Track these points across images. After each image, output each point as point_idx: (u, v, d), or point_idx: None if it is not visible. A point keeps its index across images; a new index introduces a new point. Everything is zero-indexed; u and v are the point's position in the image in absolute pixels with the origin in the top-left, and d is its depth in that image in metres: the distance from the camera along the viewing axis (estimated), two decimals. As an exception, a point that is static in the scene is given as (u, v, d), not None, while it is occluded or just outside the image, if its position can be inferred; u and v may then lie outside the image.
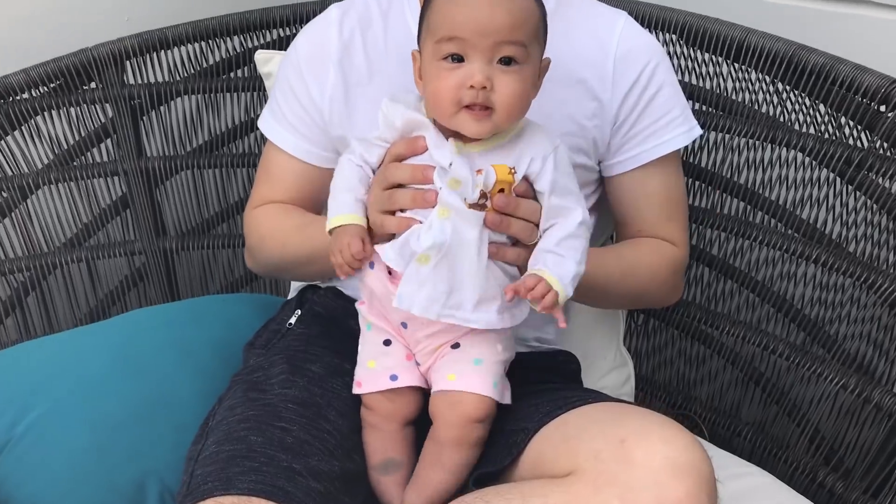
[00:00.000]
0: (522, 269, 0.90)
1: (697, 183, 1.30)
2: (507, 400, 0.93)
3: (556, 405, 0.90)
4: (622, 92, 1.06)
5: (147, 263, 1.43)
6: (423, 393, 0.95)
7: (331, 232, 0.91)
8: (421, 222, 0.88)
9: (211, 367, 1.06)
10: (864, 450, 1.13)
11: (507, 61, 0.85)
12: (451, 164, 0.87)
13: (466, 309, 0.88)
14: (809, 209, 1.22)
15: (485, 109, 0.84)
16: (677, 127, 1.09)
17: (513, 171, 0.88)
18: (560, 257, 0.88)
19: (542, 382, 1.00)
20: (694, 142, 1.27)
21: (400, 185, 0.90)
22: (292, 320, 1.05)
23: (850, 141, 1.14)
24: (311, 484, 0.86)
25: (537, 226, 0.90)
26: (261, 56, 1.31)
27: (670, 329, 1.36)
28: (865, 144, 1.13)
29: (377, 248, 0.90)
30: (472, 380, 0.90)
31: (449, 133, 0.88)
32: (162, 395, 1.03)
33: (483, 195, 0.87)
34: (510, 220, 0.88)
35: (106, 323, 1.15)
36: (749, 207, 1.26)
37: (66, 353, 1.07)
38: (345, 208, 0.92)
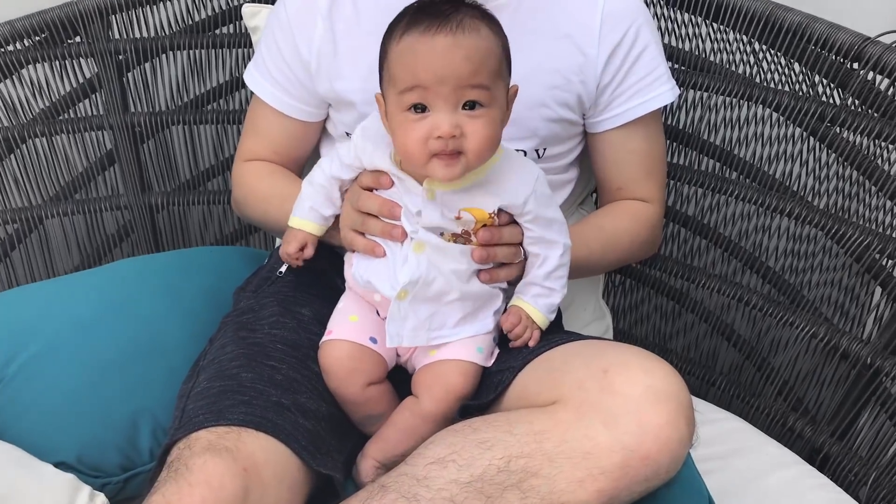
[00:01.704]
0: (514, 281, 0.96)
1: (675, 144, 1.33)
2: (490, 362, 0.95)
3: (540, 345, 0.94)
4: (608, 49, 1.08)
5: (133, 219, 1.44)
6: (388, 369, 0.97)
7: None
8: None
9: (201, 312, 1.08)
10: (831, 395, 1.17)
11: (471, 105, 0.84)
12: (419, 212, 0.89)
13: (449, 326, 0.93)
14: (784, 164, 1.26)
15: (455, 155, 0.85)
16: (661, 85, 1.12)
17: (493, 214, 0.90)
18: (548, 290, 0.93)
19: (524, 328, 1.03)
20: (672, 102, 1.31)
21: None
22: (283, 269, 1.07)
23: (824, 98, 1.18)
24: (299, 420, 0.89)
25: (520, 244, 0.94)
26: (248, 10, 1.32)
27: (646, 288, 1.40)
28: (838, 102, 1.16)
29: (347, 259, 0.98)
30: (453, 349, 0.93)
31: (421, 175, 0.90)
32: (153, 337, 1.04)
33: (465, 231, 0.91)
34: (495, 249, 0.92)
35: (97, 269, 1.16)
36: (723, 166, 1.30)
37: (58, 296, 1.08)
38: (302, 213, 0.99)
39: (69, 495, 0.89)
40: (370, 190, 0.95)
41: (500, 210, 0.91)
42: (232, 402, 0.87)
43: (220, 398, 0.88)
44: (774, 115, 1.24)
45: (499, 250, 0.92)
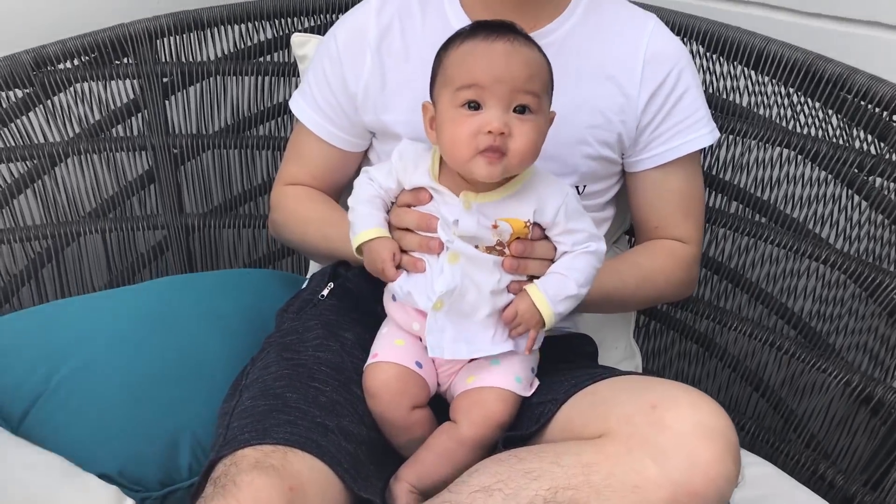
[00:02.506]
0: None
1: (708, 189, 1.34)
2: (530, 391, 0.95)
3: (583, 378, 0.94)
4: (649, 91, 1.11)
5: (168, 238, 1.45)
6: (431, 394, 0.97)
7: (360, 246, 0.96)
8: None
9: (240, 332, 1.09)
10: (864, 444, 1.17)
11: (522, 109, 0.88)
12: (456, 221, 0.91)
13: (486, 341, 0.93)
14: (818, 214, 1.27)
15: (498, 154, 0.88)
16: (702, 128, 1.14)
17: (528, 223, 0.93)
18: (563, 277, 0.93)
19: (563, 362, 1.04)
20: (710, 146, 1.32)
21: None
22: (325, 292, 1.08)
23: (862, 150, 1.19)
24: (342, 443, 0.89)
25: (552, 260, 0.95)
26: (297, 39, 1.35)
27: (673, 331, 1.40)
28: (875, 154, 1.18)
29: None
30: (491, 376, 0.94)
31: (458, 186, 0.92)
32: (193, 355, 1.05)
33: (499, 243, 0.93)
34: (527, 262, 0.94)
35: (136, 286, 1.18)
36: (754, 211, 1.31)
37: (99, 312, 1.09)
38: (371, 222, 0.97)
39: (112, 506, 0.90)
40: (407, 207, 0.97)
41: (534, 224, 0.93)
42: (277, 422, 0.87)
43: (266, 417, 0.88)
44: (811, 165, 1.26)
45: (530, 263, 0.94)
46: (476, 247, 0.93)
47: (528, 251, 0.94)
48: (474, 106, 0.88)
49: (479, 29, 0.91)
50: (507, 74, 0.87)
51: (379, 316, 1.02)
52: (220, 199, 1.51)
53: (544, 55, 0.93)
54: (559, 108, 0.97)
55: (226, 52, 1.43)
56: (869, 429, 1.16)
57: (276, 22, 1.42)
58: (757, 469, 1.16)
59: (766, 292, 1.32)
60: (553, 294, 0.92)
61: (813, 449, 1.24)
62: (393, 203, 0.99)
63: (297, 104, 1.19)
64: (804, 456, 1.24)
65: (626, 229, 1.33)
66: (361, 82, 1.12)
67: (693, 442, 0.80)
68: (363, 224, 0.97)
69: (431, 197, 0.95)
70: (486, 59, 0.88)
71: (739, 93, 1.29)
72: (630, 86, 1.11)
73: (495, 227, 0.92)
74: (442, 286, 0.91)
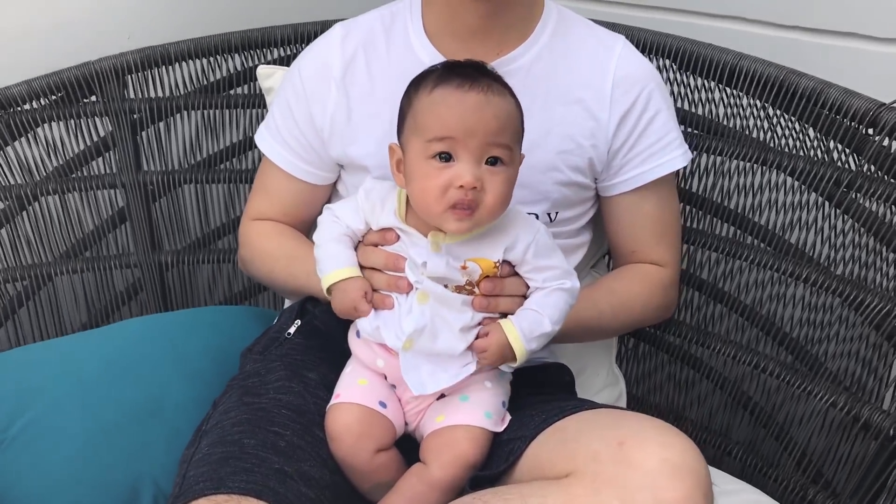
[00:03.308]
0: None
1: (688, 207, 1.32)
2: (501, 427, 0.93)
3: (553, 413, 0.91)
4: (619, 113, 1.08)
5: (142, 277, 1.43)
6: (397, 436, 0.94)
7: (331, 287, 0.94)
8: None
9: (206, 374, 1.07)
10: (854, 468, 1.14)
11: (493, 161, 0.87)
12: (425, 263, 0.90)
13: (458, 366, 0.91)
14: (798, 232, 1.24)
15: (469, 210, 0.86)
16: (674, 150, 1.12)
17: (497, 263, 0.91)
18: (537, 314, 0.91)
19: (536, 395, 1.01)
20: (685, 167, 1.30)
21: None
22: (291, 330, 1.06)
23: (839, 163, 1.16)
24: (301, 489, 0.86)
25: (524, 297, 0.93)
26: (263, 71, 1.33)
27: (660, 353, 1.37)
28: (853, 167, 1.15)
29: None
30: (460, 414, 0.91)
31: (426, 226, 0.91)
32: (157, 400, 1.02)
33: (469, 283, 0.91)
34: (497, 300, 0.92)
35: (101, 330, 1.15)
36: (739, 232, 1.28)
37: (61, 357, 1.07)
38: (342, 261, 0.95)
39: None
40: (375, 246, 0.95)
41: (503, 262, 0.92)
42: (233, 469, 0.84)
43: (221, 465, 0.85)
44: (790, 180, 1.23)
45: (501, 301, 0.92)
46: (445, 286, 0.91)
47: (497, 289, 0.92)
48: (445, 157, 0.86)
49: (452, 74, 0.89)
50: (479, 127, 0.86)
51: (347, 354, 0.99)
52: (197, 234, 1.49)
53: (516, 100, 0.91)
54: (528, 133, 0.95)
55: (195, 86, 1.41)
56: (858, 452, 1.13)
57: (244, 54, 1.40)
58: (745, 496, 1.13)
59: (755, 312, 1.29)
60: (528, 331, 0.90)
61: (803, 473, 1.20)
62: (360, 242, 0.97)
63: (262, 139, 1.17)
64: (793, 481, 1.21)
65: (605, 252, 1.30)
66: (327, 116, 1.10)
67: (659, 481, 0.77)
68: (334, 263, 0.95)
69: (399, 237, 0.94)
70: (459, 111, 0.86)
71: (714, 106, 1.26)
72: (600, 109, 1.08)
73: (464, 267, 0.91)
74: (410, 325, 0.90)
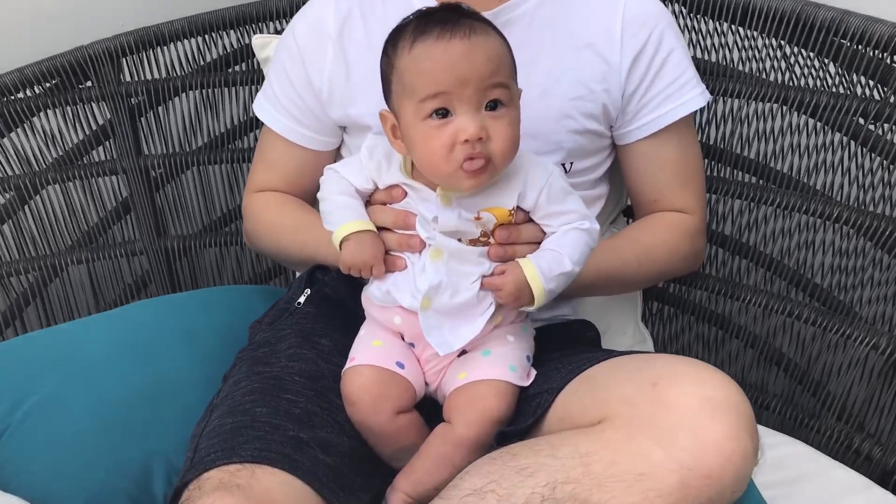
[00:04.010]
0: None
1: (706, 160, 1.27)
2: (527, 381, 0.89)
3: (580, 364, 0.87)
4: (631, 55, 1.04)
5: (150, 264, 1.40)
6: (417, 397, 0.90)
7: (345, 238, 0.89)
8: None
9: (217, 352, 1.02)
10: (898, 415, 1.09)
11: (493, 105, 0.82)
12: (436, 218, 0.86)
13: (482, 316, 0.87)
14: (825, 175, 1.19)
15: (481, 164, 0.82)
16: (691, 90, 1.07)
17: (512, 211, 0.87)
18: (556, 254, 0.86)
19: (560, 349, 0.97)
20: (702, 115, 1.25)
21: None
22: (301, 299, 1.01)
23: (864, 96, 1.11)
24: (319, 455, 0.82)
25: (539, 244, 0.89)
26: (258, 41, 1.30)
27: (686, 315, 1.33)
28: (879, 99, 1.10)
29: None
30: (483, 369, 0.87)
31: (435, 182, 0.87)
32: (166, 378, 0.99)
33: (484, 234, 0.87)
34: (514, 248, 0.88)
35: (110, 312, 1.12)
36: (760, 180, 1.23)
37: (67, 341, 1.03)
38: (354, 213, 0.90)
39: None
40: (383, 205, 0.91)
41: (518, 209, 0.87)
42: (245, 438, 0.81)
43: (233, 435, 0.81)
44: (812, 121, 1.18)
45: (518, 249, 0.87)
46: (459, 240, 0.87)
47: (514, 236, 0.88)
48: (442, 113, 0.81)
49: (429, 25, 0.83)
50: (472, 75, 0.80)
51: (360, 320, 0.95)
52: (202, 217, 1.45)
53: (501, 36, 0.85)
54: (538, 82, 0.91)
55: (192, 67, 1.38)
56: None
57: (240, 30, 1.36)
58: (787, 449, 1.07)
59: (782, 264, 1.24)
60: (546, 269, 0.85)
61: (846, 422, 1.15)
62: (367, 202, 0.93)
63: (260, 106, 1.13)
64: (836, 430, 1.15)
65: (623, 209, 1.26)
66: (325, 76, 1.06)
67: (700, 419, 0.72)
68: (347, 214, 0.90)
69: (406, 193, 0.89)
70: (445, 63, 0.80)
71: (728, 50, 1.22)
72: (611, 52, 1.04)
73: (478, 218, 0.86)
74: (425, 283, 0.85)
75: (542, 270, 0.84)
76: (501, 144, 0.82)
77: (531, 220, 0.89)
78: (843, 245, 1.19)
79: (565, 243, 0.87)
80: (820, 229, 1.20)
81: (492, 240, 0.87)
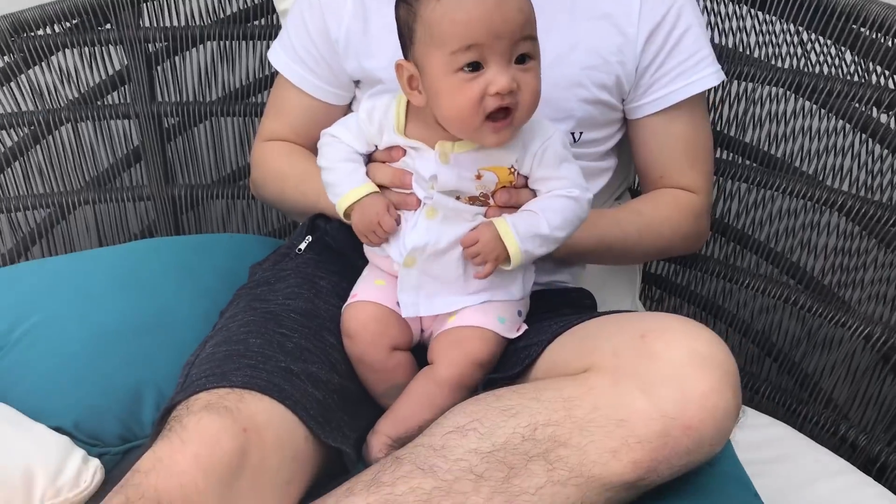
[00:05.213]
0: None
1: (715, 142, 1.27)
2: (515, 334, 0.89)
3: (571, 320, 0.87)
4: (648, 28, 1.04)
5: (157, 211, 1.41)
6: (413, 339, 0.91)
7: (349, 208, 0.88)
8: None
9: (215, 292, 1.03)
10: (889, 401, 1.08)
11: (522, 59, 0.81)
12: (434, 176, 0.85)
13: (468, 293, 0.87)
14: (834, 159, 1.19)
15: (507, 119, 0.81)
16: (706, 68, 1.07)
17: (512, 170, 0.86)
18: (533, 214, 0.85)
19: (553, 310, 0.97)
20: (715, 95, 1.25)
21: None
22: (302, 246, 1.02)
23: (880, 83, 1.11)
24: (308, 388, 0.83)
25: None
26: (279, -8, 1.30)
27: (674, 298, 1.33)
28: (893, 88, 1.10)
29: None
30: (474, 316, 0.87)
31: (432, 136, 0.86)
32: (164, 312, 1.00)
33: (483, 194, 0.86)
34: (511, 211, 0.87)
35: (112, 247, 1.13)
36: (766, 167, 1.23)
37: (70, 269, 1.05)
38: (357, 180, 0.89)
39: (60, 456, 0.84)
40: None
41: (517, 172, 0.87)
42: (237, 366, 0.81)
43: (225, 362, 0.82)
44: (820, 111, 1.18)
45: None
46: (458, 198, 0.86)
47: (514, 200, 0.87)
48: (474, 66, 0.80)
49: None
50: (505, 27, 0.79)
51: (359, 270, 0.96)
52: (212, 168, 1.45)
53: None
54: (552, 48, 0.90)
55: (212, 19, 1.38)
56: (892, 385, 1.08)
57: (262, -16, 1.37)
58: (772, 430, 1.08)
59: (776, 250, 1.24)
60: (522, 229, 0.84)
61: (833, 410, 1.15)
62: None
63: (276, 55, 1.13)
64: (823, 417, 1.15)
65: (630, 185, 1.26)
66: (343, 27, 1.06)
67: (686, 371, 0.72)
68: (349, 182, 0.90)
69: (405, 152, 0.89)
70: (480, 13, 0.79)
71: (746, 34, 1.21)
72: (627, 24, 1.04)
73: (479, 177, 0.86)
74: (412, 241, 0.85)
75: (516, 229, 0.84)
76: (529, 97, 0.82)
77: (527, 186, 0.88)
78: (839, 225, 1.18)
79: (546, 207, 0.86)
80: (820, 215, 1.20)
81: (491, 201, 0.87)
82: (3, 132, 1.35)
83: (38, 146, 1.37)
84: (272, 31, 1.39)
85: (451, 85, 0.81)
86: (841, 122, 1.16)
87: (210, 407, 0.76)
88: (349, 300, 0.90)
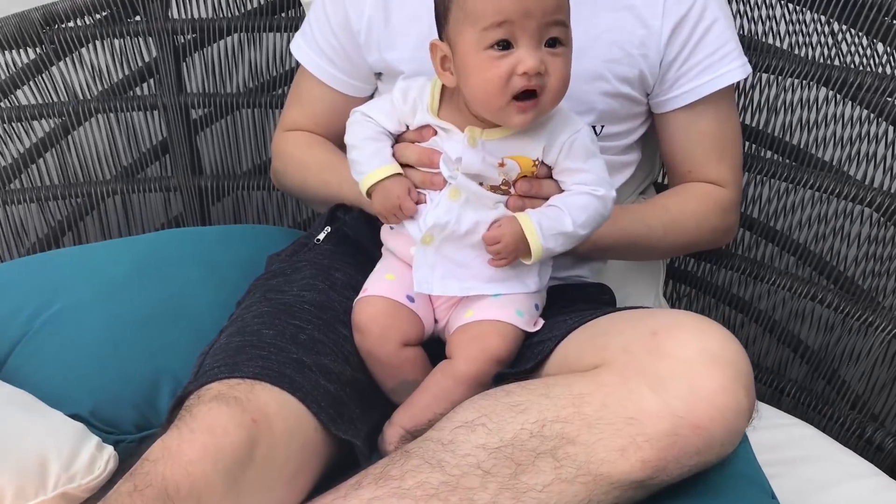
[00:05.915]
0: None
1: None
2: (533, 328, 0.89)
3: (585, 316, 0.87)
4: (673, 21, 1.02)
5: (183, 202, 1.42)
6: (425, 332, 0.91)
7: (371, 188, 0.89)
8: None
9: (235, 282, 1.03)
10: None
11: (553, 43, 0.82)
12: (460, 159, 0.85)
13: (483, 280, 0.87)
14: (864, 164, 1.16)
15: (531, 99, 0.81)
16: (733, 61, 1.05)
17: (536, 162, 0.86)
18: (559, 211, 0.85)
19: (571, 306, 0.96)
20: (741, 91, 1.23)
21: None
22: (321, 236, 1.03)
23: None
24: (320, 381, 0.83)
25: None
26: (303, -16, 1.31)
27: (706, 297, 1.31)
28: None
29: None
30: (491, 309, 0.87)
31: (463, 120, 0.86)
32: (182, 301, 1.01)
33: (505, 182, 0.86)
34: (533, 202, 0.87)
35: (134, 237, 1.15)
36: (795, 163, 1.21)
37: (92, 258, 1.06)
38: (381, 159, 0.90)
39: (75, 443, 0.85)
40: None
41: (541, 162, 0.86)
42: (249, 356, 0.82)
43: (237, 352, 0.83)
44: (850, 103, 1.15)
45: (536, 203, 0.87)
46: (480, 184, 0.86)
47: (534, 190, 0.87)
48: (504, 45, 0.80)
49: None
50: (536, 7, 0.80)
51: (376, 260, 0.96)
52: (237, 161, 1.47)
53: None
54: (574, 40, 0.89)
55: (241, 11, 1.39)
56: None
57: (288, -24, 1.38)
58: (796, 430, 1.06)
59: (808, 249, 1.22)
60: (546, 226, 0.84)
61: (859, 411, 1.13)
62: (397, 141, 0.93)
63: (297, 46, 1.14)
64: (849, 419, 1.13)
65: (655, 179, 1.24)
66: (364, 19, 1.06)
67: (696, 369, 0.71)
68: (374, 162, 0.90)
69: (435, 132, 0.89)
70: None
71: (776, 23, 1.19)
72: (651, 16, 1.03)
73: (502, 165, 0.86)
74: (433, 218, 0.86)
75: (540, 226, 0.84)
76: (556, 82, 0.82)
77: (552, 177, 0.88)
78: (870, 225, 1.16)
79: (571, 204, 0.86)
80: (850, 213, 1.17)
81: (512, 190, 0.87)
82: (35, 123, 1.37)
83: (68, 137, 1.39)
84: (297, 22, 1.39)
85: (481, 62, 0.81)
86: (872, 114, 1.14)
87: (220, 397, 0.76)
88: (360, 294, 0.91)
